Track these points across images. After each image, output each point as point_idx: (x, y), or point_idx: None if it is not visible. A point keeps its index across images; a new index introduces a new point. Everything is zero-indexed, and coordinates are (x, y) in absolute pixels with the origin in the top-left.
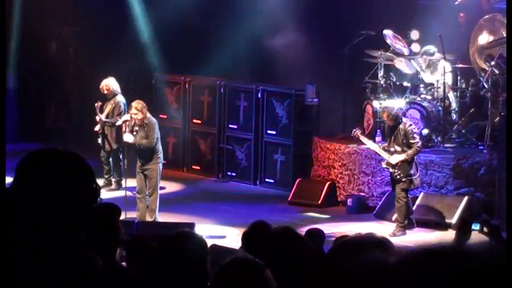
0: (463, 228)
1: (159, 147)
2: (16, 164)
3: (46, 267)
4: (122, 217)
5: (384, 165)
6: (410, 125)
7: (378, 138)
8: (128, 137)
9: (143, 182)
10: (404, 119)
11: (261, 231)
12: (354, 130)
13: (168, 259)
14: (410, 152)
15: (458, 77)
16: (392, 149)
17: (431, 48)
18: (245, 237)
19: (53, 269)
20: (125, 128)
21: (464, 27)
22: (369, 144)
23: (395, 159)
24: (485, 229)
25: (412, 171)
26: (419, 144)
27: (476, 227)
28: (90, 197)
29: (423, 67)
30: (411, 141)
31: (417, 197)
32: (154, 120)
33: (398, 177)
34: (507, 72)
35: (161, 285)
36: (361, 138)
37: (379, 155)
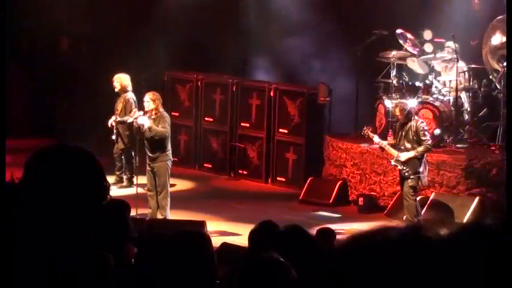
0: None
1: (169, 144)
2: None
3: (53, 265)
4: (133, 214)
5: (393, 162)
6: (422, 122)
7: (389, 138)
8: (143, 120)
9: (153, 179)
10: (415, 117)
11: (268, 231)
12: (364, 128)
13: (174, 257)
14: (420, 149)
15: (471, 78)
16: (402, 147)
17: (451, 45)
18: (252, 236)
19: (61, 267)
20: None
21: (480, 13)
22: (378, 141)
23: (404, 156)
24: None
25: (420, 169)
26: (430, 142)
27: None
28: (99, 194)
29: (436, 67)
30: (422, 138)
31: (429, 197)
32: (166, 114)
33: (406, 174)
34: (507, 72)
35: (169, 282)
36: (370, 136)
37: (389, 153)
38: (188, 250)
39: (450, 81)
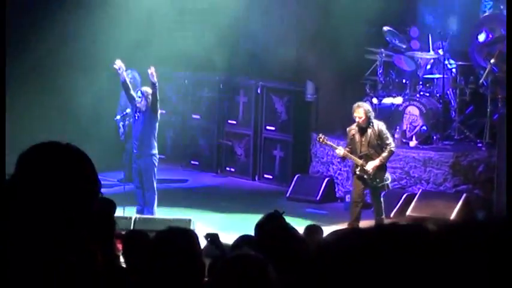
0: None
1: (155, 141)
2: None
3: (43, 262)
4: (120, 211)
5: (358, 172)
6: (383, 124)
7: (339, 147)
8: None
9: (140, 176)
10: (373, 120)
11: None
12: (319, 136)
13: (161, 254)
14: (385, 154)
15: (458, 75)
16: (363, 154)
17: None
18: (259, 228)
19: (51, 263)
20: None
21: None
22: (338, 150)
23: (371, 165)
24: None
25: (386, 175)
26: (393, 145)
27: None
28: (90, 190)
29: (422, 63)
30: (386, 142)
31: (415, 194)
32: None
33: (374, 183)
34: (507, 71)
35: (156, 280)
36: (328, 144)
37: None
38: (175, 247)
39: (437, 78)
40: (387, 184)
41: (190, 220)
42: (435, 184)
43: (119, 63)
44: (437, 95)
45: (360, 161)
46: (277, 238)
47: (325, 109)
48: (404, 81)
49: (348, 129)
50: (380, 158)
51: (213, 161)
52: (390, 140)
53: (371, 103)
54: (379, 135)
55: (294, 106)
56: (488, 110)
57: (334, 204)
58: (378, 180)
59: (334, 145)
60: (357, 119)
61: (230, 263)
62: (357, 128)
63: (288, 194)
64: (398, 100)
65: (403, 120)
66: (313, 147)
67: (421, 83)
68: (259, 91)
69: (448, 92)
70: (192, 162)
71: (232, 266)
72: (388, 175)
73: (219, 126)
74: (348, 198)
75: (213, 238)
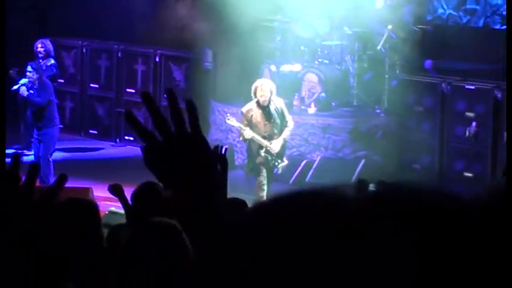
0: (358, 189)
1: (55, 112)
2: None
3: None
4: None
5: (263, 154)
6: (282, 101)
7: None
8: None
9: (39, 147)
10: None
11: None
12: (227, 116)
13: (60, 224)
14: (287, 133)
15: (356, 41)
16: (266, 134)
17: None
18: (135, 198)
19: None
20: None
21: None
22: (247, 132)
23: (277, 145)
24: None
25: (284, 156)
26: (292, 122)
27: (372, 188)
28: None
29: (320, 32)
30: (287, 119)
31: (314, 161)
32: (49, 82)
33: (276, 163)
34: (507, 71)
35: (55, 250)
36: (236, 125)
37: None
38: (74, 217)
39: (335, 45)
40: (282, 166)
41: (89, 189)
42: (334, 150)
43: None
44: (336, 61)
45: (266, 142)
46: (153, 208)
47: (223, 77)
48: (302, 48)
49: (244, 110)
50: (283, 136)
51: (112, 130)
52: (290, 117)
53: (269, 70)
54: (282, 113)
55: (192, 74)
56: (387, 76)
57: (234, 172)
58: (279, 160)
59: (242, 126)
60: (260, 98)
61: (142, 230)
62: (257, 108)
63: None
64: (296, 67)
65: (302, 87)
66: (212, 115)
67: (319, 49)
68: (157, 59)
69: (347, 58)
70: (91, 131)
71: (143, 233)
72: (285, 157)
73: (117, 95)
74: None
75: (116, 190)
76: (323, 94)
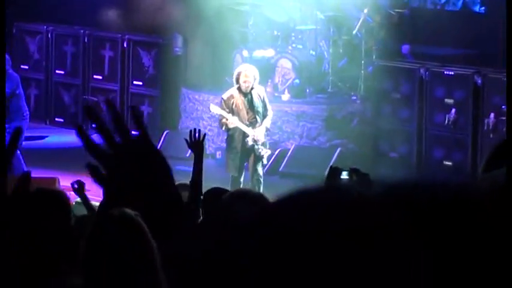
0: (331, 177)
1: (23, 103)
2: None
3: None
4: None
5: (250, 142)
6: (263, 88)
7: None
8: None
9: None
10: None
11: None
12: (210, 106)
13: (28, 216)
14: (268, 121)
15: (331, 26)
16: (248, 122)
17: None
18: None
19: None
20: None
21: None
22: (232, 120)
23: (261, 134)
24: (354, 177)
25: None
26: (271, 110)
27: (345, 175)
28: None
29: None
30: (268, 108)
31: (289, 149)
32: (14, 74)
33: (261, 152)
34: (507, 70)
35: (24, 243)
36: (220, 113)
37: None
38: (44, 209)
39: (309, 29)
40: (268, 155)
41: (56, 179)
42: (309, 139)
43: None
44: (310, 47)
45: (252, 130)
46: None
47: (194, 63)
48: (275, 32)
49: (224, 97)
50: (265, 125)
51: (79, 118)
52: (270, 106)
53: (241, 56)
54: (264, 102)
55: (161, 60)
56: (363, 62)
57: (205, 161)
58: (263, 149)
59: (226, 114)
60: (244, 84)
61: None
62: (239, 95)
63: None
64: (269, 52)
65: (275, 73)
66: (182, 103)
67: (293, 34)
68: (125, 45)
69: (321, 43)
70: (57, 119)
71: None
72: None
73: (84, 82)
74: (218, 155)
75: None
76: (297, 80)
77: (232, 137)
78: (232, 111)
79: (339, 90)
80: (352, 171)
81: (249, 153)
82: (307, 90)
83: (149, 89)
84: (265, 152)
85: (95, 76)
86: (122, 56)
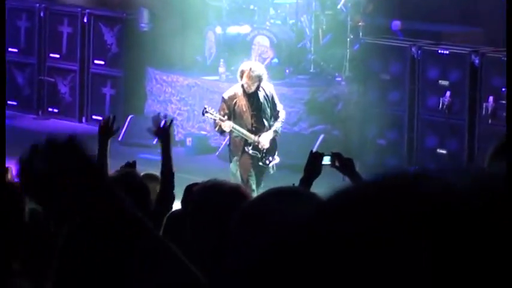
0: (312, 163)
1: None
2: None
3: None
4: None
5: (251, 151)
6: (273, 86)
7: (221, 69)
8: None
9: None
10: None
11: None
12: (205, 109)
13: None
14: (279, 125)
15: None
16: (254, 127)
17: None
18: None
19: None
20: None
21: None
22: (226, 124)
23: (266, 139)
24: (337, 163)
25: (276, 152)
26: (284, 112)
27: (327, 161)
28: None
29: None
30: (278, 109)
31: None
32: None
33: (267, 162)
34: (507, 70)
35: None
36: (214, 118)
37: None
38: None
39: (289, 3)
40: (274, 164)
41: (8, 169)
42: (289, 124)
43: None
44: (290, 22)
45: (254, 137)
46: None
47: (162, 40)
48: (252, 7)
49: (226, 96)
50: (274, 128)
51: (34, 101)
52: (281, 106)
53: (214, 33)
54: (273, 101)
55: (126, 37)
56: (348, 39)
57: (173, 148)
58: (270, 158)
59: (222, 118)
60: (246, 85)
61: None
62: (242, 94)
63: (120, 138)
64: (245, 29)
65: (252, 51)
66: (149, 84)
67: (271, 9)
68: (85, 20)
69: (302, 19)
70: (10, 102)
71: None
72: (276, 153)
73: (39, 61)
74: (189, 141)
75: None
76: (275, 60)
77: (234, 143)
78: (234, 113)
79: (321, 71)
80: (335, 156)
81: (253, 163)
82: (287, 71)
83: (112, 69)
84: (270, 161)
85: (51, 55)
86: (81, 33)
